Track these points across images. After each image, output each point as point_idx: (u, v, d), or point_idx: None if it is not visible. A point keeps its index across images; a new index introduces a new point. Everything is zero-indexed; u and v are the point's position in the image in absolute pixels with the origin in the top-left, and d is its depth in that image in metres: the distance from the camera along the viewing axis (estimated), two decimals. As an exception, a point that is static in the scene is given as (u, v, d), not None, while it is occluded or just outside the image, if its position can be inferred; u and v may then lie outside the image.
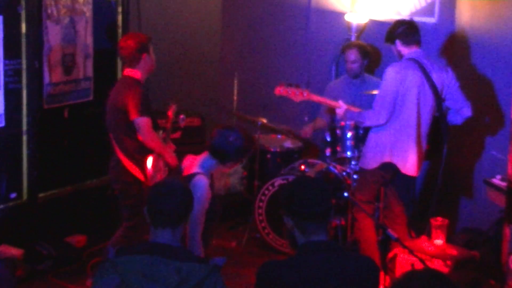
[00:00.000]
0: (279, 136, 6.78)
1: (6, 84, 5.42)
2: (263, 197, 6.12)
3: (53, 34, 5.77)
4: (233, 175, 6.78)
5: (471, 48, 6.16)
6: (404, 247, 4.21)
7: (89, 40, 6.10)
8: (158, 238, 3.09)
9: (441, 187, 5.49)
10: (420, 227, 5.55)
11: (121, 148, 5.02)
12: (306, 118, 6.84)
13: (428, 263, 4.66)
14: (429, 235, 5.10)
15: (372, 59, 6.43)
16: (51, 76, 5.81)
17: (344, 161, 5.75)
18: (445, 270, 4.80)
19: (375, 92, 5.71)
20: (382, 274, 5.01)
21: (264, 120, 6.54)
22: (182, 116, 5.46)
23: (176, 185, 3.16)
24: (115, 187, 5.13)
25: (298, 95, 5.59)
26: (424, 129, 5.28)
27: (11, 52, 5.42)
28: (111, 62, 6.38)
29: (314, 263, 3.02)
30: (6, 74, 5.41)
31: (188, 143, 6.09)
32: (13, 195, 5.61)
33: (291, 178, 5.94)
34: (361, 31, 6.79)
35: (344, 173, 5.96)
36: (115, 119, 5.02)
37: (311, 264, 3.01)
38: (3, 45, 5.35)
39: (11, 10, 5.38)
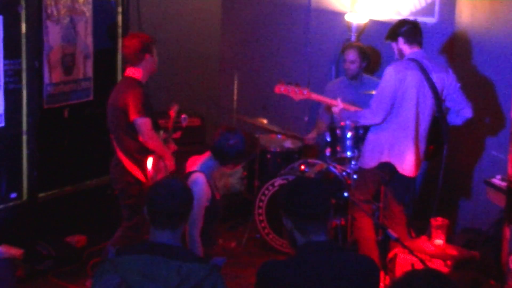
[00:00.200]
0: (279, 136, 6.78)
1: (6, 84, 5.42)
2: (263, 197, 6.11)
3: (53, 34, 5.77)
4: (233, 175, 6.79)
5: (471, 48, 6.16)
6: (404, 247, 4.21)
7: (89, 40, 6.10)
8: (158, 238, 3.09)
9: (441, 187, 5.49)
10: (420, 227, 5.55)
11: (122, 148, 5.03)
12: (306, 118, 6.84)
13: (428, 263, 4.66)
14: (429, 235, 5.10)
15: (372, 60, 6.43)
16: (51, 76, 5.81)
17: (344, 161, 5.75)
18: (445, 270, 4.80)
19: (374, 92, 5.70)
20: (382, 274, 5.02)
21: (265, 121, 6.55)
22: (184, 116, 5.46)
23: (175, 185, 3.16)
24: (116, 187, 5.13)
25: (298, 93, 5.60)
26: (423, 129, 5.28)
27: (11, 52, 5.42)
28: (111, 62, 6.38)
29: (314, 263, 3.02)
30: (6, 74, 5.41)
31: (188, 143, 6.09)
32: (13, 195, 5.61)
33: (291, 178, 5.94)
34: (361, 31, 6.79)
35: (344, 173, 5.96)
36: (115, 119, 5.02)
37: (311, 264, 3.01)
38: (3, 45, 5.35)
39: (11, 10, 5.38)
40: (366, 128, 5.41)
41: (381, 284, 4.95)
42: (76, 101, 6.07)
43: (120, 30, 6.37)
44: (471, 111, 5.35)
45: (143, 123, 4.92)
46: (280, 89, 5.63)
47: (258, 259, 5.84)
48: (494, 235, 5.42)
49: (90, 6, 6.06)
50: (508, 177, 4.81)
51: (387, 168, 5.29)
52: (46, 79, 5.78)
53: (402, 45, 5.31)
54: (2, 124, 5.45)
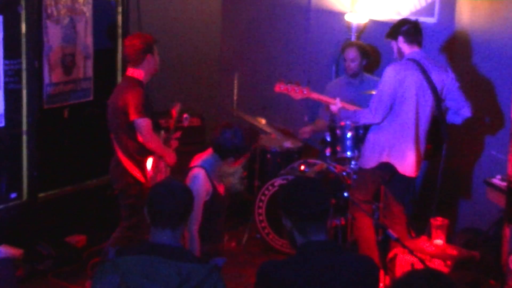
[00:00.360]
0: (279, 136, 6.78)
1: (6, 84, 5.42)
2: (263, 197, 6.11)
3: (53, 34, 5.77)
4: (233, 175, 6.76)
5: (471, 48, 6.16)
6: (404, 247, 4.22)
7: (89, 40, 6.10)
8: (158, 239, 3.09)
9: (441, 187, 5.49)
10: (420, 227, 5.55)
11: (122, 148, 5.02)
12: (306, 118, 6.84)
13: (428, 263, 4.67)
14: (429, 235, 5.10)
15: (372, 59, 6.44)
16: (51, 76, 5.81)
17: (344, 161, 5.75)
18: (445, 270, 4.80)
19: (374, 92, 5.70)
20: (382, 273, 5.02)
21: (264, 121, 6.54)
22: (186, 115, 5.46)
23: (176, 186, 3.16)
24: (115, 187, 5.13)
25: (298, 92, 5.60)
26: (423, 129, 5.28)
27: (11, 52, 5.42)
28: (111, 62, 6.38)
29: (314, 262, 3.02)
30: (6, 74, 5.41)
31: (188, 143, 6.09)
32: (13, 195, 5.61)
33: (291, 178, 5.94)
34: (361, 31, 6.80)
35: (344, 173, 5.96)
36: (116, 119, 5.02)
37: (311, 264, 3.01)
38: (3, 45, 5.35)
39: (11, 10, 5.38)
40: (366, 128, 5.41)
41: (381, 284, 4.96)
42: (76, 101, 6.06)
43: (120, 30, 6.37)
44: (471, 110, 5.35)
45: (143, 123, 4.91)
46: (280, 87, 5.64)
47: (258, 259, 5.84)
48: (494, 235, 5.42)
49: (90, 6, 6.06)
50: (508, 177, 4.81)
51: (387, 168, 5.29)
52: (46, 79, 5.78)
53: (402, 44, 5.31)
54: (2, 124, 5.45)
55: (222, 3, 7.91)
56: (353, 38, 6.74)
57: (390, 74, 5.21)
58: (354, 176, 5.70)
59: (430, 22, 6.39)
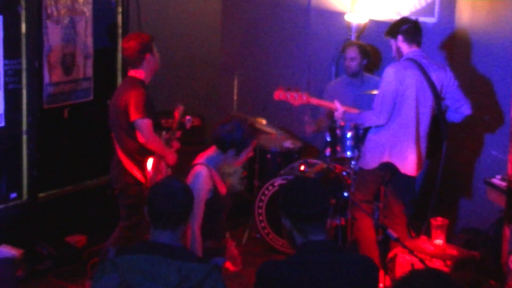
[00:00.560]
0: (279, 136, 6.78)
1: (6, 84, 5.42)
2: (263, 197, 6.11)
3: (53, 34, 5.77)
4: (233, 175, 6.76)
5: (471, 48, 6.16)
6: (404, 247, 4.22)
7: (89, 40, 6.10)
8: (158, 238, 3.08)
9: (441, 187, 5.49)
10: (420, 227, 5.55)
11: (122, 148, 5.02)
12: (306, 118, 6.83)
13: (428, 263, 4.67)
14: (429, 235, 5.10)
15: (372, 59, 6.43)
16: (51, 76, 5.81)
17: (344, 161, 5.75)
18: (445, 270, 4.80)
19: (375, 92, 5.71)
20: (382, 274, 5.02)
21: (264, 121, 6.54)
22: (188, 117, 5.45)
23: (176, 186, 3.15)
24: (115, 187, 5.12)
25: (297, 99, 5.60)
26: (424, 129, 5.28)
27: (11, 52, 5.42)
28: (111, 62, 6.37)
29: (314, 262, 3.02)
30: (6, 74, 5.41)
31: (188, 143, 6.08)
32: (13, 195, 5.61)
33: (291, 178, 5.94)
34: (361, 31, 6.79)
35: (344, 173, 5.95)
36: (117, 119, 5.01)
37: (311, 264, 3.01)
38: (3, 45, 5.35)
39: (11, 10, 5.38)
40: (366, 128, 5.41)
41: (381, 284, 4.96)
42: (76, 101, 6.06)
43: (120, 30, 6.37)
44: (470, 108, 5.36)
45: (144, 123, 4.91)
46: (279, 95, 5.63)
47: (258, 259, 5.83)
48: (494, 235, 5.43)
49: (90, 6, 6.06)
50: (508, 177, 4.81)
51: (388, 168, 5.29)
52: (46, 79, 5.78)
53: (401, 43, 5.31)
54: (2, 124, 5.45)
55: (222, 3, 7.91)
56: (353, 38, 6.73)
57: (390, 74, 5.21)
58: (354, 176, 5.70)
59: (430, 22, 6.39)
